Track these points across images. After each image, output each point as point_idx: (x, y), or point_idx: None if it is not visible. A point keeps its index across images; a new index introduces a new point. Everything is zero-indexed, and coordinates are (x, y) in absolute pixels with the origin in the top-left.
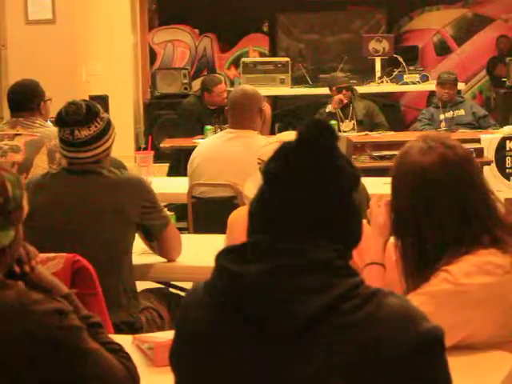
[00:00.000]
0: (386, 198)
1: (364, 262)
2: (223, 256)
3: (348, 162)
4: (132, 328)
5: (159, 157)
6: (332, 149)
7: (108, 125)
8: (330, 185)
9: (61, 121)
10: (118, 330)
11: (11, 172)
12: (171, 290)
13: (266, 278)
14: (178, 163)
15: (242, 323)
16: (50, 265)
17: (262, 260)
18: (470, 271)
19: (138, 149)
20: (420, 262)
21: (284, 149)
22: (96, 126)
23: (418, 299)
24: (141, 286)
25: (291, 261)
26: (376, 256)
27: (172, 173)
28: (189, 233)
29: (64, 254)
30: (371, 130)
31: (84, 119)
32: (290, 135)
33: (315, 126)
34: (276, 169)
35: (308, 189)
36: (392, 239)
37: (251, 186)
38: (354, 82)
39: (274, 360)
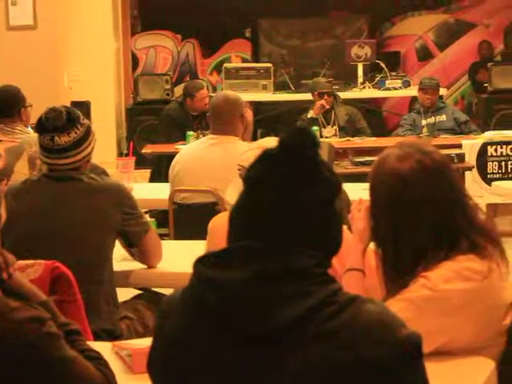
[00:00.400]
0: (366, 202)
1: (344, 268)
2: (201, 262)
3: (329, 170)
4: (112, 335)
5: (141, 163)
6: (314, 156)
7: (88, 131)
8: (310, 193)
9: (41, 127)
10: (98, 337)
11: None
12: None
13: (243, 284)
14: (159, 169)
15: (219, 329)
16: (28, 272)
17: (240, 266)
18: (449, 277)
19: (120, 155)
20: (398, 268)
21: (265, 155)
22: (76, 133)
23: (397, 305)
24: (120, 292)
25: (269, 268)
26: (355, 262)
27: (154, 179)
28: (170, 239)
29: (43, 261)
30: (353, 136)
31: (64, 125)
32: (271, 141)
33: (297, 134)
34: (257, 175)
35: (288, 196)
36: (372, 245)
37: (232, 192)
38: (337, 87)
39: (251, 366)
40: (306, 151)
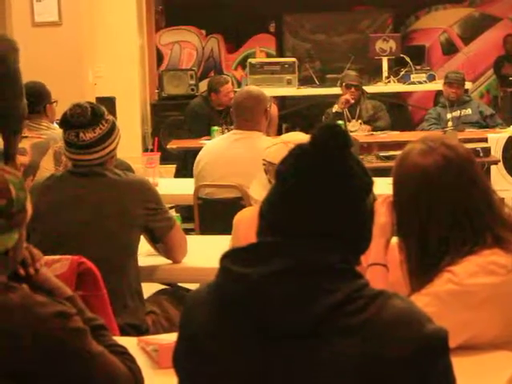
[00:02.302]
0: (390, 198)
1: (367, 262)
2: (228, 258)
3: (361, 168)
4: (138, 330)
5: (166, 158)
6: (345, 154)
7: (113, 127)
8: (341, 190)
9: (66, 123)
10: (124, 332)
11: (15, 174)
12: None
13: (270, 280)
14: (185, 164)
15: (245, 325)
16: (55, 267)
17: (266, 262)
18: (474, 271)
19: (146, 150)
20: (423, 263)
21: (297, 151)
22: (101, 128)
23: (423, 300)
24: (146, 287)
25: (296, 263)
26: (378, 257)
27: (179, 174)
28: (196, 234)
29: (69, 257)
30: (373, 130)
31: (89, 121)
32: (294, 136)
33: (329, 131)
34: (287, 170)
35: (319, 193)
36: (396, 239)
37: (257, 188)
38: (361, 81)
39: (277, 361)
40: (337, 149)
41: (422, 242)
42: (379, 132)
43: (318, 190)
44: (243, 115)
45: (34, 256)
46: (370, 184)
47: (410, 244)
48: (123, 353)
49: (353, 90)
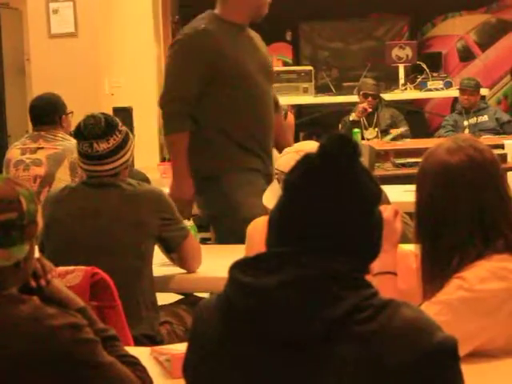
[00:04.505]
0: (399, 210)
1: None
2: (236, 268)
3: (370, 178)
4: (152, 341)
5: None
6: (354, 164)
7: (127, 138)
8: (349, 199)
9: (80, 134)
10: (139, 342)
11: (26, 187)
12: None
13: (278, 290)
14: None
15: (253, 335)
16: (68, 278)
17: (274, 272)
18: (485, 277)
19: (163, 160)
20: (435, 267)
21: (305, 160)
22: (115, 139)
23: (433, 308)
24: (160, 297)
25: (304, 273)
26: (387, 265)
27: None
28: (212, 243)
29: (83, 267)
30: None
31: (103, 132)
32: (308, 145)
33: (338, 141)
34: (295, 180)
35: (326, 203)
36: (411, 247)
37: (270, 196)
38: (379, 89)
39: (287, 370)
40: (345, 159)
41: (436, 243)
42: (398, 139)
43: (326, 199)
44: None
45: (45, 267)
46: (379, 193)
47: (424, 247)
48: (135, 363)
49: (370, 99)
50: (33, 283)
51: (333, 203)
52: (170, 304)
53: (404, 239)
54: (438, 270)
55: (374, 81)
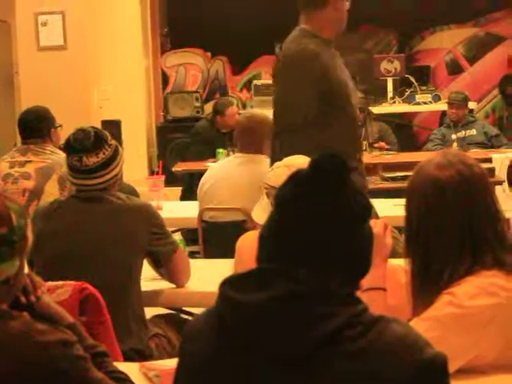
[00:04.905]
0: (388, 224)
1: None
2: (226, 284)
3: (360, 193)
4: (142, 355)
5: (172, 180)
6: (344, 180)
7: (116, 152)
8: (341, 215)
9: (69, 148)
10: (128, 357)
11: (16, 202)
12: (182, 315)
13: (268, 306)
14: (190, 187)
15: (244, 351)
16: (58, 292)
17: (266, 288)
18: (475, 293)
19: (152, 173)
20: (424, 282)
21: (296, 177)
22: (104, 153)
23: (423, 324)
24: (150, 311)
25: (294, 289)
26: (377, 280)
27: (185, 196)
28: (201, 257)
29: (72, 282)
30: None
31: (92, 146)
32: (296, 160)
33: (329, 158)
34: (286, 196)
35: (316, 219)
36: (403, 263)
37: (259, 211)
38: (368, 103)
39: None
40: (336, 175)
41: (425, 258)
42: (384, 153)
43: (317, 215)
44: (247, 138)
45: (35, 283)
46: (369, 208)
47: (414, 262)
48: (124, 379)
49: (358, 113)
50: (23, 299)
51: (324, 219)
52: (151, 317)
53: (393, 254)
54: (427, 285)
55: (362, 94)
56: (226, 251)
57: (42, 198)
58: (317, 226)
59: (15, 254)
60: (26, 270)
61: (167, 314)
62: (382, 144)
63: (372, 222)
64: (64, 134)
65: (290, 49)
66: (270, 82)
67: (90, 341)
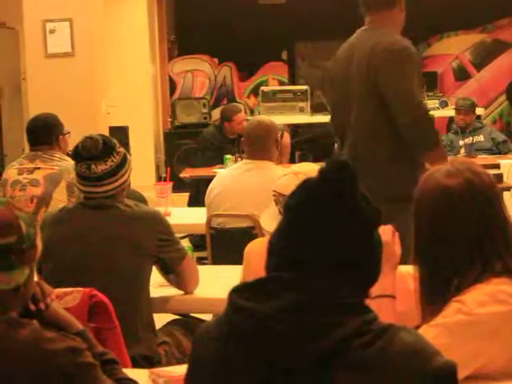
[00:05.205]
0: (395, 232)
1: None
2: (236, 293)
3: (368, 203)
4: (150, 362)
5: (180, 186)
6: (353, 188)
7: (124, 159)
8: (349, 224)
9: (77, 155)
10: (137, 363)
11: (25, 211)
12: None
13: (278, 315)
14: (198, 193)
15: (253, 360)
16: (67, 299)
17: (276, 297)
18: (484, 300)
19: (159, 179)
20: (433, 290)
21: (306, 185)
22: (112, 161)
23: (432, 332)
24: (158, 318)
25: (304, 298)
26: (386, 288)
27: (193, 202)
28: (209, 263)
29: (81, 289)
30: None
31: (100, 154)
32: (305, 167)
33: (337, 167)
34: (297, 205)
35: (325, 228)
36: (407, 269)
37: (267, 218)
38: None
39: None
40: (345, 184)
41: (434, 267)
42: None
43: (326, 224)
44: (254, 145)
45: (44, 291)
46: (378, 217)
47: (423, 270)
48: None
49: None
50: (32, 307)
51: (333, 228)
52: (165, 324)
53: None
54: (436, 293)
55: None
56: (234, 258)
57: (51, 205)
58: (326, 234)
59: (24, 263)
60: (36, 277)
61: (183, 320)
62: None
63: (381, 230)
64: (72, 140)
65: (393, 43)
66: (277, 88)
67: (99, 348)
